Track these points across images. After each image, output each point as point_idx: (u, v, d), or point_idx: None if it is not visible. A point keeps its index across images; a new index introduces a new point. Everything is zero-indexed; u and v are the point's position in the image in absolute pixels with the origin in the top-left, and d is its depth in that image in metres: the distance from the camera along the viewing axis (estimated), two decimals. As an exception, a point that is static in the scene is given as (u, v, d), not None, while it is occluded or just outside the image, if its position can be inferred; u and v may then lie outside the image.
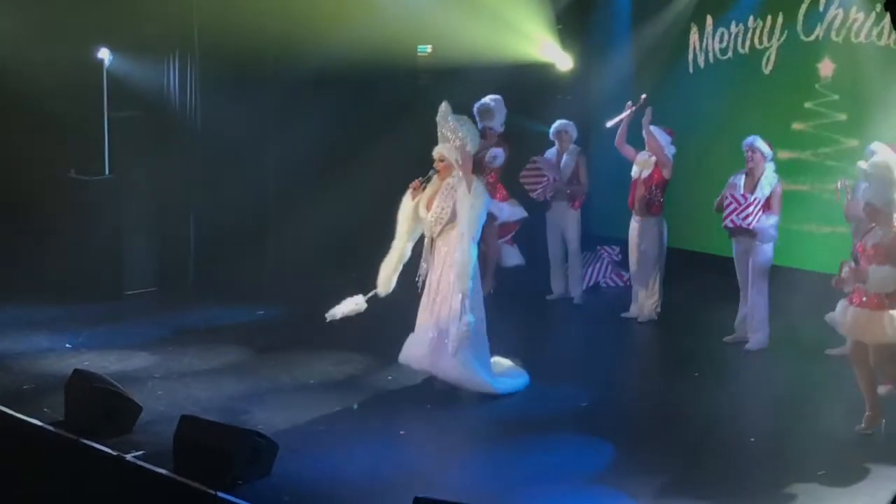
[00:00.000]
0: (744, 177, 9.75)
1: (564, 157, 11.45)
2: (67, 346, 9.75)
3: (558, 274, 11.73)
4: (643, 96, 10.71)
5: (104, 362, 9.05)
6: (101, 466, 7.14)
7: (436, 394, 8.52)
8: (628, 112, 10.78)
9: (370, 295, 8.66)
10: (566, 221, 11.49)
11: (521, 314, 11.05)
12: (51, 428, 7.60)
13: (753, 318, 9.84)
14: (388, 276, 8.67)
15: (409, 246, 8.71)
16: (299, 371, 9.08)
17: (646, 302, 10.83)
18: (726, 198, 9.68)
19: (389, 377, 8.87)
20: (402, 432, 7.84)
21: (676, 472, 7.14)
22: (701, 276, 11.48)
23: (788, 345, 9.88)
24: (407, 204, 8.68)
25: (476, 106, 11.53)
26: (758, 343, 9.83)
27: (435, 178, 8.65)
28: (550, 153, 11.56)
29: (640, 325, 10.78)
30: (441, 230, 8.55)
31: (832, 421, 8.33)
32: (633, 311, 10.96)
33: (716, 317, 10.72)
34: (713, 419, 8.18)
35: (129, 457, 7.09)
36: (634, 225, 10.80)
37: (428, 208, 8.59)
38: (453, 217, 8.50)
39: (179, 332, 10.28)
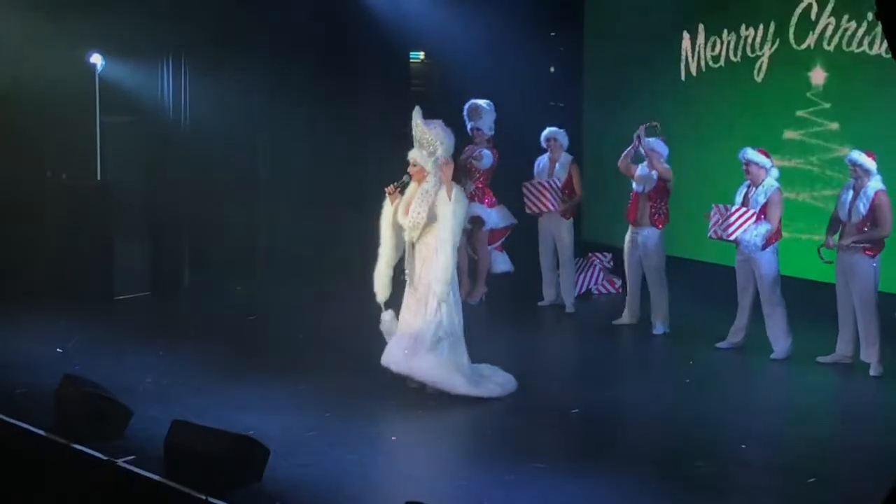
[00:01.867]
0: (745, 189, 9.76)
1: (556, 165, 11.45)
2: (58, 350, 9.74)
3: (550, 281, 11.74)
4: (654, 124, 10.66)
5: (95, 367, 9.02)
6: (91, 471, 7.12)
7: (427, 399, 8.52)
8: (636, 142, 10.68)
9: (383, 306, 8.76)
10: (559, 230, 11.49)
11: (512, 321, 11.05)
12: (41, 433, 7.56)
13: (772, 329, 9.83)
14: (383, 284, 8.77)
15: (395, 251, 8.76)
16: (290, 375, 9.07)
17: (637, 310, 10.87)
18: (711, 209, 9.71)
19: (381, 381, 8.87)
20: (393, 437, 7.83)
21: (666, 477, 7.14)
22: (693, 283, 11.50)
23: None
24: (387, 209, 8.78)
25: (466, 105, 11.58)
26: (781, 352, 9.79)
27: (412, 183, 8.70)
28: (542, 160, 11.55)
29: (632, 331, 10.78)
30: (419, 234, 8.60)
31: (823, 427, 8.36)
32: (625, 317, 10.98)
33: (708, 324, 10.76)
34: (703, 425, 8.18)
35: (119, 462, 7.06)
36: (632, 237, 10.74)
37: (406, 213, 8.65)
38: (430, 221, 8.55)
39: (171, 336, 10.26)
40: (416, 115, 8.74)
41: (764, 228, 9.56)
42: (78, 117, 11.44)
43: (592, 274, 12.39)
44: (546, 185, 11.34)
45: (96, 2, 11.23)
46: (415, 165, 8.66)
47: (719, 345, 10.11)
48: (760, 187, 9.64)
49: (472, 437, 8.11)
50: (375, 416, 8.20)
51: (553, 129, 11.55)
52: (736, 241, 9.62)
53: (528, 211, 11.49)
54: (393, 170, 12.41)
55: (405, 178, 8.71)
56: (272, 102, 12.46)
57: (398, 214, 8.69)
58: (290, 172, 12.74)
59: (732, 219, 9.54)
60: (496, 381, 8.74)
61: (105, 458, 7.12)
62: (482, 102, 11.57)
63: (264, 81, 12.42)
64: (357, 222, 12.42)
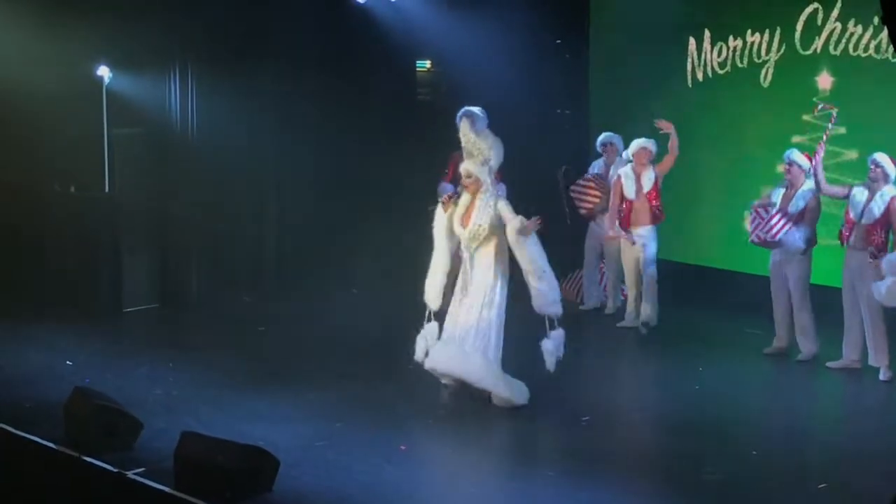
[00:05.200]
0: (783, 190, 9.77)
1: (612, 169, 11.46)
2: (68, 363, 9.75)
3: (593, 283, 11.74)
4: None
5: (104, 379, 9.04)
6: (102, 483, 7.13)
7: (437, 409, 8.52)
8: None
9: (427, 315, 8.73)
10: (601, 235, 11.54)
11: (516, 324, 11.02)
12: (51, 445, 7.58)
13: (801, 331, 9.82)
14: (437, 292, 8.71)
15: (450, 259, 8.72)
16: (300, 386, 9.07)
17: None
18: (751, 213, 9.73)
19: (390, 391, 8.87)
20: (402, 447, 7.83)
21: (676, 485, 7.13)
22: (700, 288, 11.49)
23: (787, 357, 9.91)
24: (441, 219, 8.71)
25: (461, 112, 11.51)
26: (808, 354, 9.79)
27: (465, 193, 8.64)
28: (597, 165, 11.59)
29: (640, 336, 10.73)
30: (478, 246, 8.56)
31: (833, 433, 8.34)
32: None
33: (712, 328, 10.76)
34: (713, 432, 8.17)
35: (130, 474, 7.08)
36: (644, 234, 10.81)
37: (463, 224, 8.59)
38: (491, 234, 8.52)
39: (180, 348, 10.27)
40: (466, 124, 8.66)
41: (804, 232, 9.60)
42: (85, 129, 11.45)
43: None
44: (591, 179, 11.35)
45: (103, 14, 11.26)
46: (469, 177, 8.56)
47: (766, 350, 10.05)
48: (799, 191, 9.65)
49: (481, 446, 8.10)
50: (385, 426, 8.19)
51: (609, 133, 11.57)
52: (779, 243, 9.63)
53: (582, 212, 11.47)
54: (398, 177, 12.43)
55: (459, 189, 8.62)
56: (279, 112, 12.47)
57: (454, 224, 8.64)
58: (298, 182, 12.75)
59: (774, 220, 9.56)
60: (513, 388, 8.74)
61: (115, 470, 7.13)
62: (476, 109, 11.54)
63: (271, 92, 12.43)
64: (366, 232, 12.46)
